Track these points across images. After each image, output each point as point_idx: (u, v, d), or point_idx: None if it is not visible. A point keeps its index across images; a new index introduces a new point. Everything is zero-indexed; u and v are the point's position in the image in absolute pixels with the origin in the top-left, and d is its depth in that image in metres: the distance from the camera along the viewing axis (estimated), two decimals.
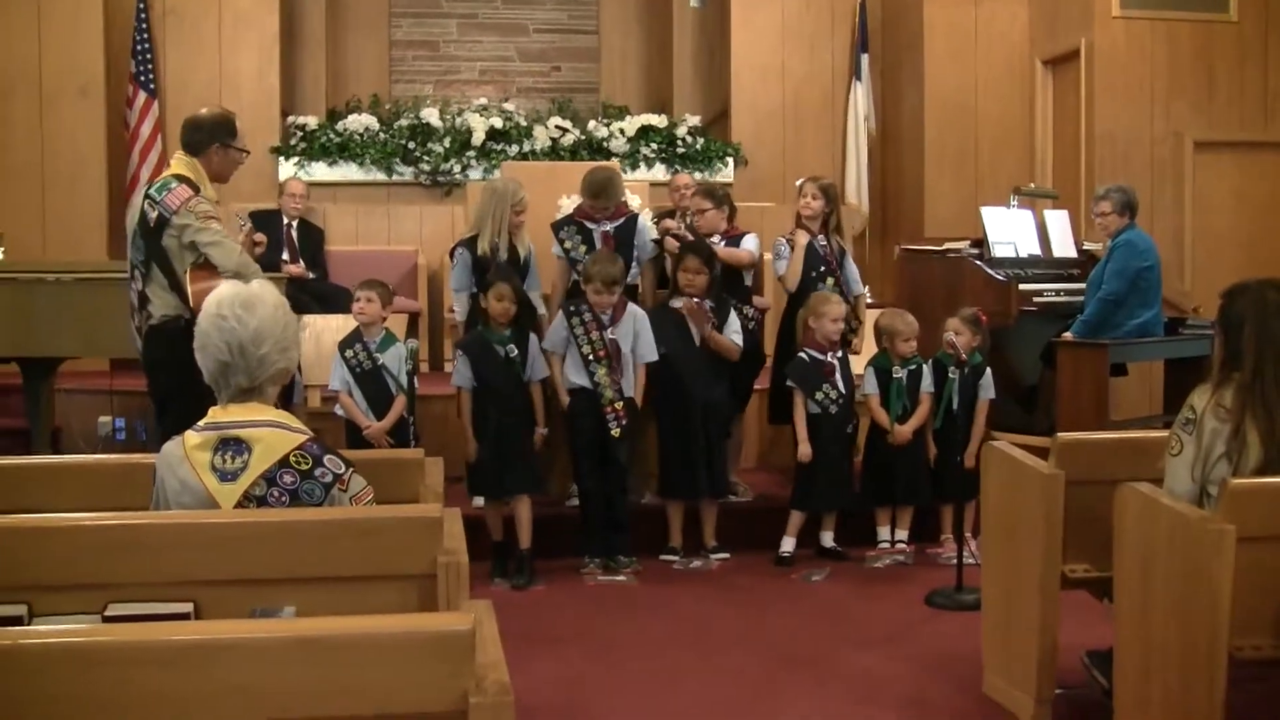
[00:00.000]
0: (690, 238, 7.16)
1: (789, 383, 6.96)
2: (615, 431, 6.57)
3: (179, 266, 5.44)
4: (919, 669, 5.14)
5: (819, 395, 6.83)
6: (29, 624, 2.89)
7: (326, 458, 3.25)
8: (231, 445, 3.21)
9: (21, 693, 2.25)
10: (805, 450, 6.82)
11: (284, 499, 3.18)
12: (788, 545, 6.87)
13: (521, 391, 6.62)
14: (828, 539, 6.97)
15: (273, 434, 3.24)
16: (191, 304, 5.31)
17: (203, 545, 3.01)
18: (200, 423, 3.29)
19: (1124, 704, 4.02)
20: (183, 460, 3.24)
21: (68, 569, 2.96)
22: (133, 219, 5.60)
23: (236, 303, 3.28)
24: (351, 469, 3.29)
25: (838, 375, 6.85)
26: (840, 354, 6.91)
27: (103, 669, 2.27)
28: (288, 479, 3.20)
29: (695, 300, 6.81)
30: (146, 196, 5.49)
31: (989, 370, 7.03)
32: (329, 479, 3.23)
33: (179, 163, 5.62)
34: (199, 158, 5.60)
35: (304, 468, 3.22)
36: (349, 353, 6.67)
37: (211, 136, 5.62)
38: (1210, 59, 10.23)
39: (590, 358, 6.59)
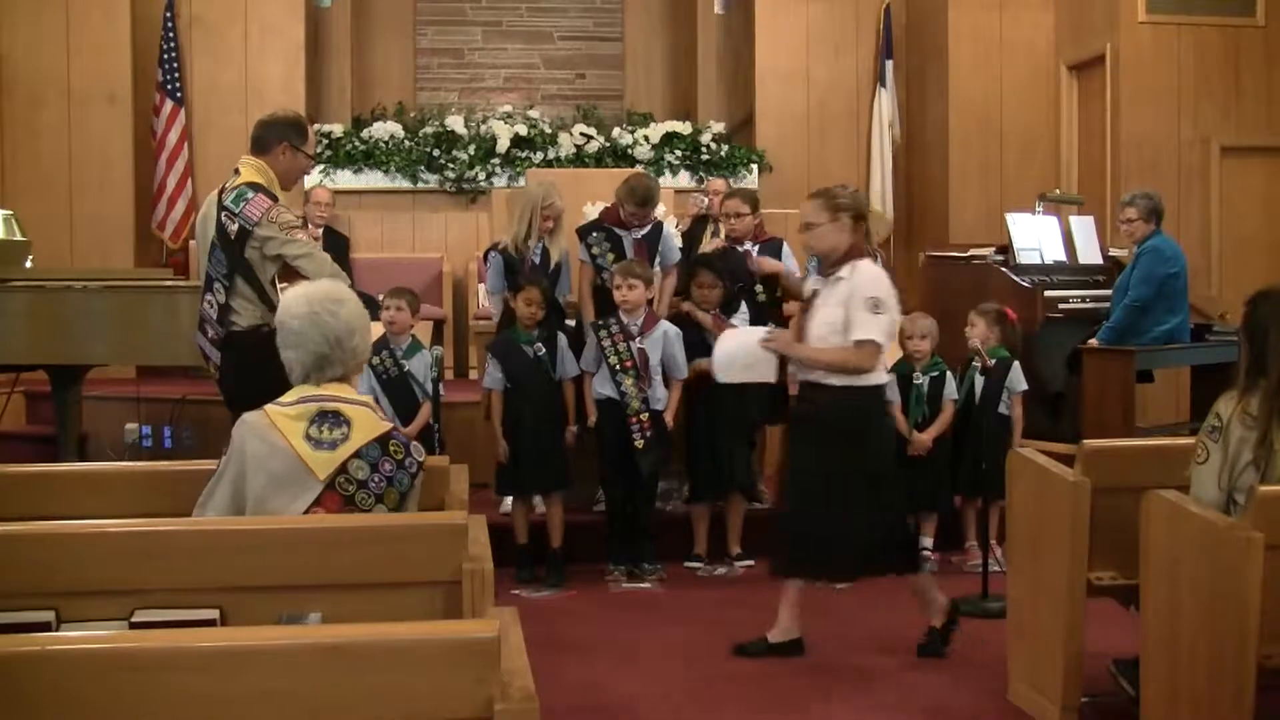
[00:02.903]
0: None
1: None
2: (639, 442, 6.55)
3: (264, 278, 5.27)
4: (944, 676, 5.13)
5: None
6: (56, 630, 2.91)
7: (412, 445, 3.47)
8: (330, 417, 3.38)
9: (48, 698, 2.26)
10: None
11: (381, 484, 3.37)
12: None
13: (551, 390, 6.65)
14: None
15: (367, 413, 3.44)
16: None
17: (229, 551, 3.03)
18: (287, 398, 3.45)
19: (1151, 712, 4.00)
20: (270, 427, 3.36)
21: (95, 575, 2.98)
22: (206, 231, 5.41)
23: (326, 299, 3.52)
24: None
25: None
26: None
27: (129, 675, 2.28)
28: (387, 466, 3.38)
29: (714, 313, 6.79)
30: (223, 208, 5.26)
31: (1016, 364, 6.98)
32: (415, 469, 3.44)
33: (248, 168, 5.38)
34: (265, 157, 5.40)
35: (399, 456, 3.42)
36: (375, 360, 6.68)
37: (280, 135, 5.42)
38: (1237, 63, 10.19)
39: (617, 368, 6.58)
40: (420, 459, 3.47)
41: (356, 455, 3.35)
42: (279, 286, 5.26)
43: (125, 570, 2.99)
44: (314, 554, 3.04)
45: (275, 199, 5.32)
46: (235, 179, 5.35)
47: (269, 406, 3.42)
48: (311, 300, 3.51)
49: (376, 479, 3.35)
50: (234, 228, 5.24)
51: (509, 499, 6.84)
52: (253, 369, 5.25)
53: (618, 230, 7.00)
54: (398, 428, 3.51)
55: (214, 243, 5.33)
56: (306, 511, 3.30)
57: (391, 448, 3.40)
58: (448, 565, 3.06)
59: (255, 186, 5.29)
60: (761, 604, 6.22)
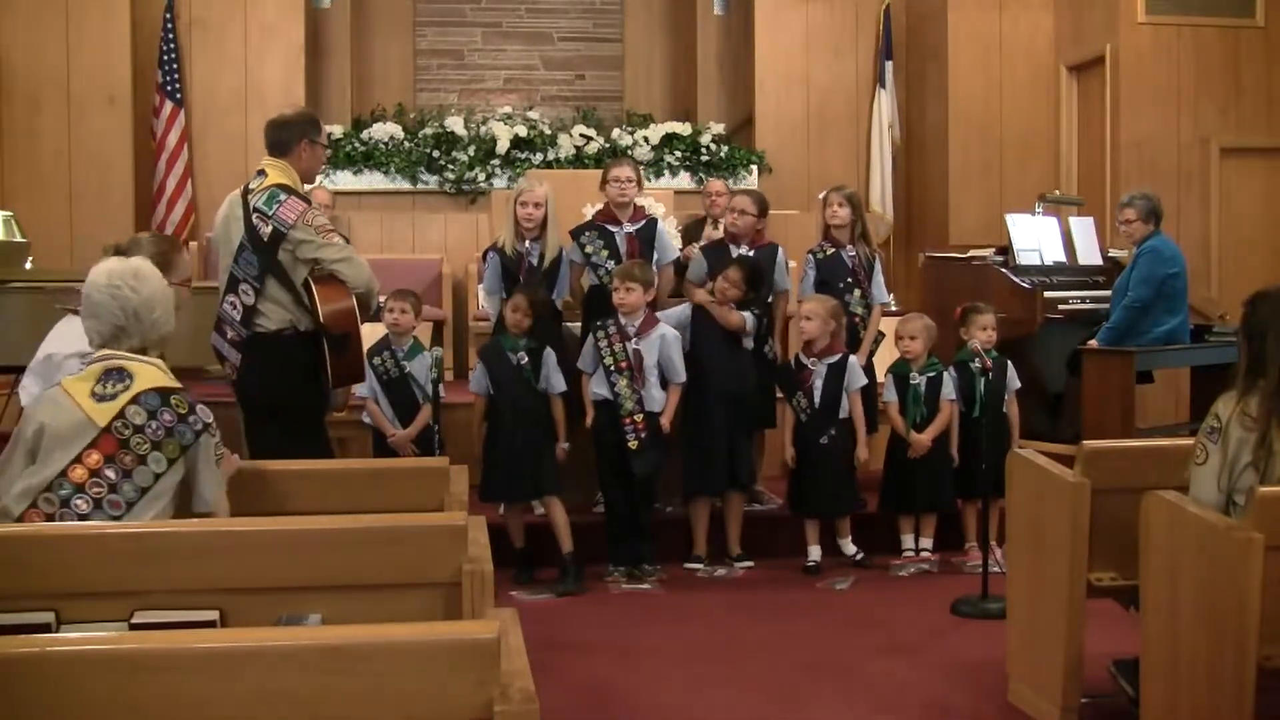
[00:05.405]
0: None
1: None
2: (632, 443, 6.53)
3: (296, 280, 5.26)
4: (944, 677, 5.12)
5: (794, 403, 6.82)
6: (57, 631, 2.91)
7: (199, 406, 3.63)
8: (115, 374, 3.57)
9: (49, 700, 2.26)
10: (786, 455, 6.86)
11: (159, 433, 3.50)
12: (814, 554, 6.84)
13: (534, 397, 6.59)
14: (847, 546, 6.94)
15: (154, 370, 3.62)
16: (324, 321, 5.15)
17: (229, 553, 3.03)
18: (82, 366, 3.68)
19: (1151, 713, 4.00)
20: (61, 393, 3.55)
21: (95, 577, 2.98)
22: (231, 232, 5.37)
23: (127, 274, 3.72)
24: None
25: (815, 383, 6.77)
26: (834, 359, 6.79)
27: (129, 676, 2.28)
28: (167, 417, 3.53)
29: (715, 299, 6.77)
30: (255, 210, 5.24)
31: (1009, 363, 6.99)
32: (200, 426, 3.59)
33: (274, 170, 5.36)
34: (287, 157, 5.39)
35: (182, 411, 3.57)
36: (376, 360, 6.69)
37: (300, 133, 5.41)
38: (1236, 64, 10.19)
39: (612, 368, 6.57)
40: (209, 420, 3.63)
41: (134, 401, 3.51)
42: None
43: (125, 571, 2.99)
44: (314, 555, 3.04)
45: (307, 201, 5.32)
46: (262, 180, 5.33)
47: (65, 379, 3.64)
48: (113, 275, 3.69)
49: (154, 426, 3.51)
50: (267, 230, 5.22)
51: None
52: (275, 371, 5.26)
53: (610, 227, 7.01)
54: (187, 391, 3.65)
55: (242, 244, 5.31)
56: (81, 453, 3.44)
57: (174, 401, 3.56)
58: (447, 566, 3.06)
59: (285, 189, 5.29)
60: (762, 605, 6.24)
